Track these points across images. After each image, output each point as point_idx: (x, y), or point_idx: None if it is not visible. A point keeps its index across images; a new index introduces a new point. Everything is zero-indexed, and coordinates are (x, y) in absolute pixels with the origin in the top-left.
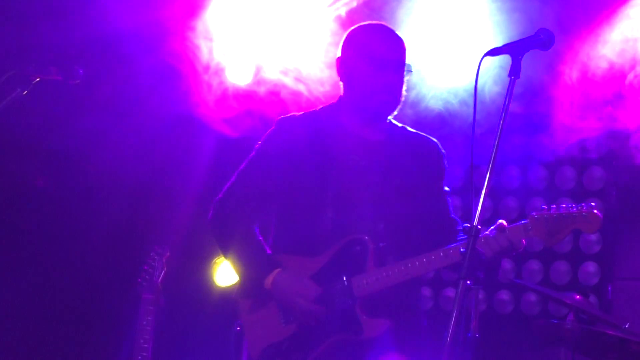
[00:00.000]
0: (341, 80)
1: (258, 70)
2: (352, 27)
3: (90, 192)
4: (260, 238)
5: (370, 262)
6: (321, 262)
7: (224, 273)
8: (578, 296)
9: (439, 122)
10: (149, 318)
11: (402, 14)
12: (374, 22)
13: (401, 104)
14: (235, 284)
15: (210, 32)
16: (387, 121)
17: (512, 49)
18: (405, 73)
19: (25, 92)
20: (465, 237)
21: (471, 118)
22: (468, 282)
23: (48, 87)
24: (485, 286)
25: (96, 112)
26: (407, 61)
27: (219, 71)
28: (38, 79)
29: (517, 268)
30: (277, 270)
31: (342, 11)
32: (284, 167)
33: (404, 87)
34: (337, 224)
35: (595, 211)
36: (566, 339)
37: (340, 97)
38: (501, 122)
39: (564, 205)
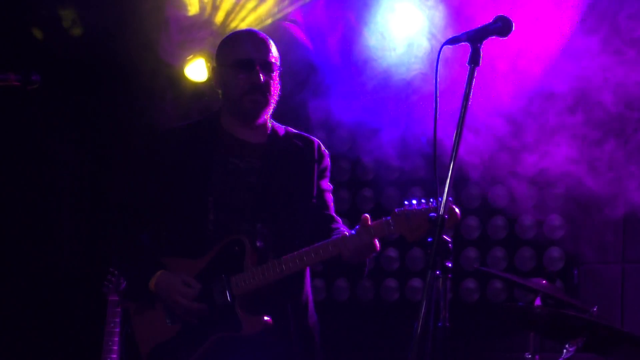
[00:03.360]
0: (217, 88)
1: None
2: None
3: (56, 194)
4: (146, 244)
5: (249, 261)
6: (203, 263)
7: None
8: (545, 281)
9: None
10: (116, 320)
11: None
12: (243, 29)
13: (275, 102)
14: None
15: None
16: (269, 124)
17: (470, 37)
18: (275, 72)
19: None
20: (338, 233)
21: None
22: (437, 272)
23: (6, 93)
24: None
25: (58, 119)
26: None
27: (176, 70)
28: None
29: (481, 256)
30: (161, 271)
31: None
32: (165, 175)
33: (275, 86)
34: (219, 225)
35: (452, 206)
36: (534, 323)
37: (219, 105)
38: (462, 111)
39: (424, 201)
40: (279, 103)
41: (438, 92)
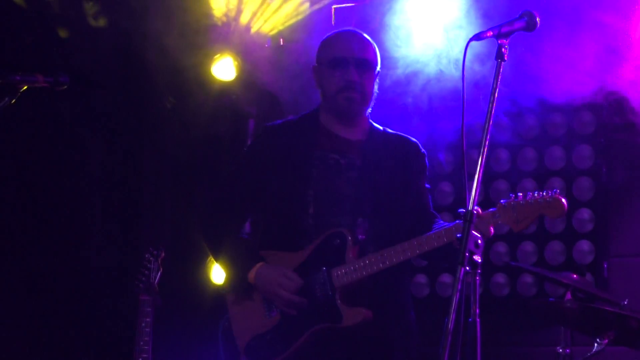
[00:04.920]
0: (317, 87)
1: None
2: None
3: (83, 195)
4: (245, 236)
5: (350, 254)
6: (303, 256)
7: (220, 271)
8: (575, 275)
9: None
10: (148, 319)
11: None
12: (343, 28)
13: (372, 101)
14: (224, 280)
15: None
16: (368, 123)
17: (496, 33)
18: (371, 71)
19: (13, 101)
20: (440, 225)
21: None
22: (467, 267)
23: (35, 94)
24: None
25: (85, 116)
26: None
27: (202, 66)
28: (25, 87)
29: (511, 250)
30: (260, 263)
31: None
32: (266, 171)
33: (370, 85)
34: (319, 219)
35: (558, 197)
36: (565, 317)
37: (319, 103)
38: (490, 105)
39: (530, 193)
40: (308, 100)
41: (465, 87)
